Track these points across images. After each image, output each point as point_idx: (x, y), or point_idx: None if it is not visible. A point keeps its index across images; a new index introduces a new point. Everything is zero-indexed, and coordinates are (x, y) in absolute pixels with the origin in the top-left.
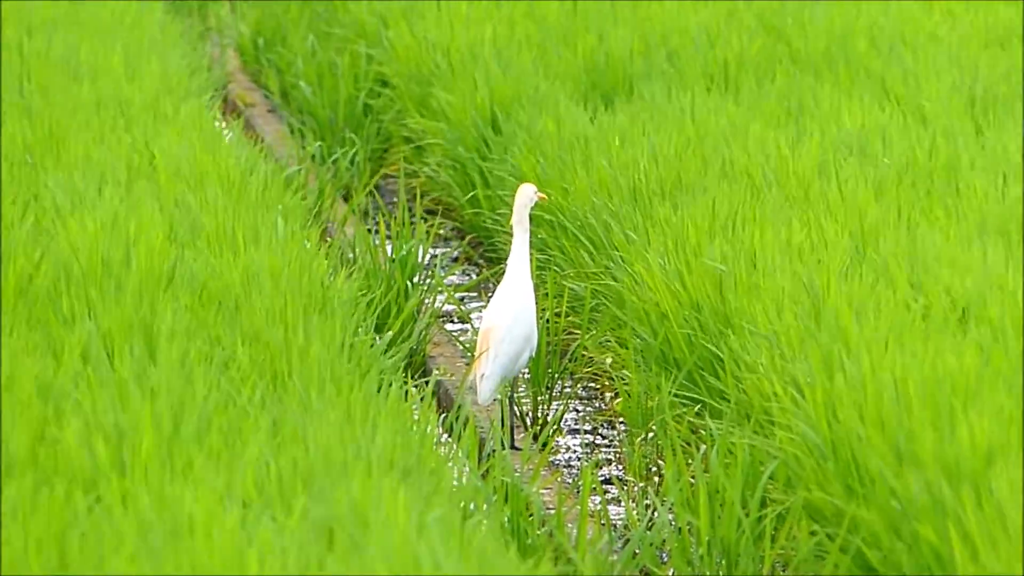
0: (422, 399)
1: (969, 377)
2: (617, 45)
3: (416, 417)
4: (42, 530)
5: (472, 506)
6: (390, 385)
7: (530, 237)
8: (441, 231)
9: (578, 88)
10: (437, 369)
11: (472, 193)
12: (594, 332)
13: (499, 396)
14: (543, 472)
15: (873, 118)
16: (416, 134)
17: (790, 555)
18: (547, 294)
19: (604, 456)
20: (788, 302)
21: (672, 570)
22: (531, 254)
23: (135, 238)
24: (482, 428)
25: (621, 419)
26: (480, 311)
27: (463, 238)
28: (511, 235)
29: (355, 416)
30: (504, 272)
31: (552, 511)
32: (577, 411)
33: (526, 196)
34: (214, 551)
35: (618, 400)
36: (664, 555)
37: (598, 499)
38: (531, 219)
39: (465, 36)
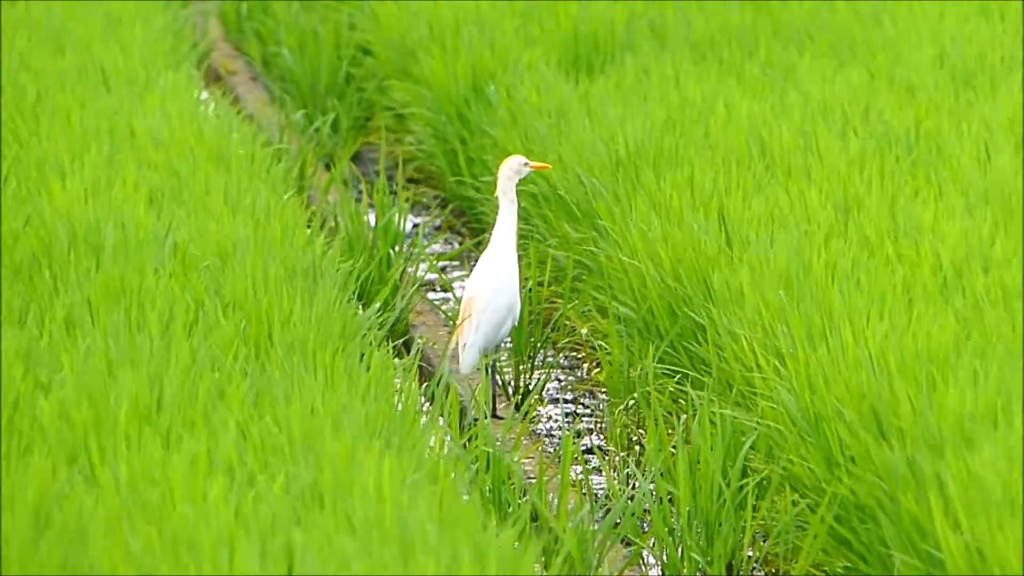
0: (404, 367)
1: (950, 348)
2: (599, 15)
3: (398, 385)
4: (21, 501)
5: (454, 475)
6: (372, 353)
7: (517, 208)
8: (423, 200)
9: (561, 58)
10: (419, 337)
11: (454, 163)
12: (576, 302)
13: (481, 365)
14: (524, 441)
15: (855, 88)
16: (398, 103)
17: (771, 526)
18: (529, 263)
19: (585, 426)
20: (771, 272)
21: (653, 540)
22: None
23: (117, 205)
24: (464, 397)
25: (603, 389)
26: (462, 280)
27: (445, 207)
28: (494, 204)
29: (337, 384)
30: (488, 242)
31: (533, 480)
32: (559, 380)
33: (510, 168)
34: (197, 521)
35: (599, 370)
36: (645, 525)
37: (579, 469)
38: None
39: (447, 4)
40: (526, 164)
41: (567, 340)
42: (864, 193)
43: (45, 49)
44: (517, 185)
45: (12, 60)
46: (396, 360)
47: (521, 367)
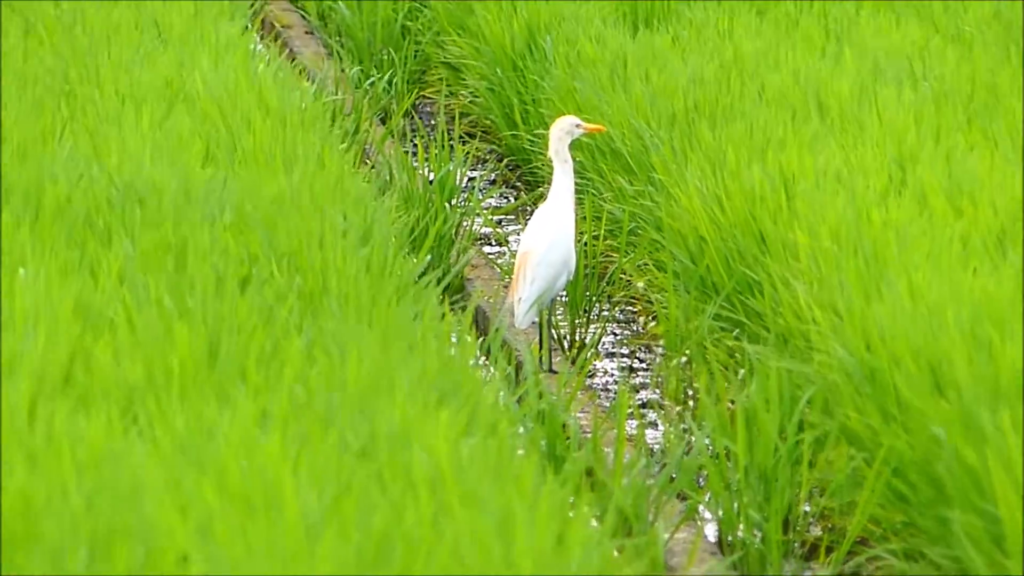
0: (460, 322)
1: (1008, 302)
2: None
3: (454, 339)
4: (77, 453)
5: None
6: (428, 307)
7: (573, 167)
8: (479, 154)
9: (617, 11)
10: (475, 291)
11: (510, 117)
12: (632, 256)
13: (536, 319)
14: (580, 396)
15: (913, 41)
16: (454, 56)
17: (827, 480)
18: (585, 217)
19: (641, 380)
20: (827, 227)
21: (709, 495)
22: (575, 183)
23: (172, 160)
24: (519, 351)
25: (659, 343)
26: (518, 235)
27: (501, 161)
28: (548, 160)
29: (393, 338)
30: (545, 199)
31: (589, 435)
32: (615, 335)
33: (562, 129)
34: (252, 476)
35: (656, 324)
36: (701, 480)
37: (635, 423)
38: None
39: None
40: (578, 125)
41: (623, 294)
42: (920, 147)
43: (100, 2)
44: (570, 145)
45: (68, 15)
46: (451, 315)
47: (576, 321)
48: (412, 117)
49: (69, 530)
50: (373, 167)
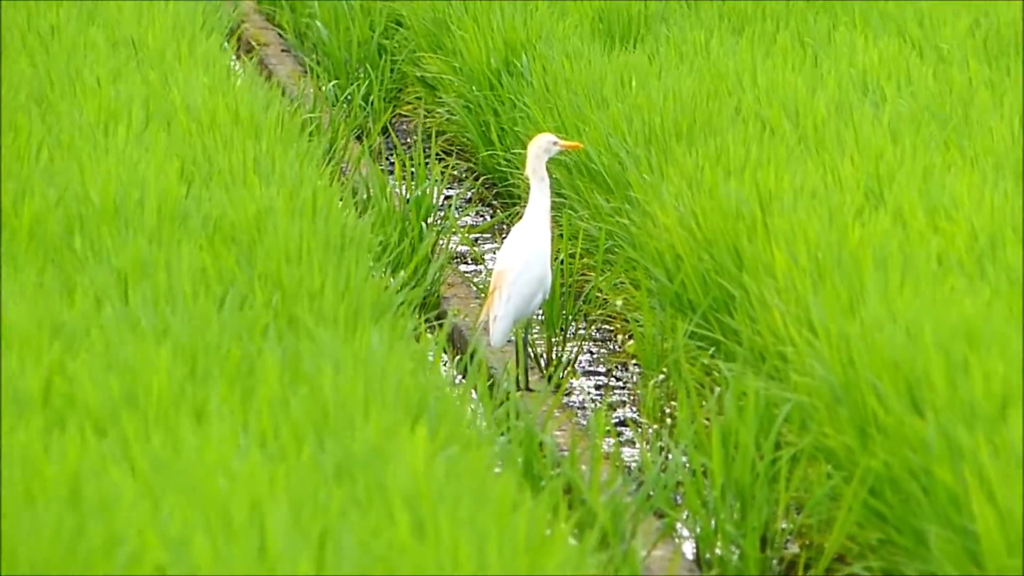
0: (435, 341)
1: (984, 320)
2: None
3: (431, 357)
4: (53, 472)
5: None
6: (404, 325)
7: (550, 185)
8: (455, 172)
9: (593, 29)
10: (451, 310)
11: (486, 135)
12: (608, 274)
13: (512, 338)
14: (556, 414)
15: (889, 59)
16: (431, 74)
17: (804, 497)
18: (561, 235)
19: (618, 398)
20: (803, 244)
21: (686, 512)
22: (552, 202)
23: (149, 177)
24: (496, 369)
25: (635, 361)
26: (494, 253)
27: (477, 179)
28: (525, 177)
29: (369, 357)
30: (521, 217)
31: (566, 453)
32: (591, 353)
33: (539, 147)
34: (230, 494)
35: (632, 342)
36: (678, 497)
37: (612, 441)
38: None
39: None
40: (556, 143)
41: (599, 312)
42: (897, 165)
43: (76, 21)
44: (547, 163)
45: (45, 32)
46: (428, 333)
47: (553, 340)
48: (388, 135)
49: (42, 548)
50: (350, 185)
